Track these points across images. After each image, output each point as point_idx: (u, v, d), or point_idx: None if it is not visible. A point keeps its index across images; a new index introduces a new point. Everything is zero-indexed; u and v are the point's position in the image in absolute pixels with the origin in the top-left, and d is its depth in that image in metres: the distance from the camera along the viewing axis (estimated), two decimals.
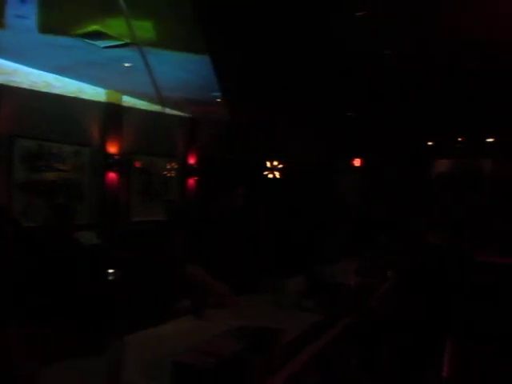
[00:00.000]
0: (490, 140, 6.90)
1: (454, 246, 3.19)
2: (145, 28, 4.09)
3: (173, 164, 7.92)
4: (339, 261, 3.82)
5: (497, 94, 5.53)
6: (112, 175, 6.71)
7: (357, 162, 7.94)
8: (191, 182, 8.13)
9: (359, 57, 4.64)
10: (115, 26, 4.03)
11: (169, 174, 7.86)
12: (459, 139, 7.20)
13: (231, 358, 1.53)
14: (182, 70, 5.34)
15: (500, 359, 4.16)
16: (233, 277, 2.79)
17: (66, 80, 5.98)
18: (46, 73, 5.72)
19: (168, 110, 7.58)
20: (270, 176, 8.69)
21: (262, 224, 3.54)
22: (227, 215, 3.53)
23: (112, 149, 6.69)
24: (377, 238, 4.24)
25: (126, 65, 5.18)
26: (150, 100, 7.12)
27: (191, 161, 8.15)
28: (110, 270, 3.66)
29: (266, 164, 8.72)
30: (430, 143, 7.48)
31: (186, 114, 7.98)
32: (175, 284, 2.70)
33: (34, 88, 5.67)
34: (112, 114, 6.69)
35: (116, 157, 6.70)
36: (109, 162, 6.65)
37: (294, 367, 1.89)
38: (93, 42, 4.39)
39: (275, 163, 8.66)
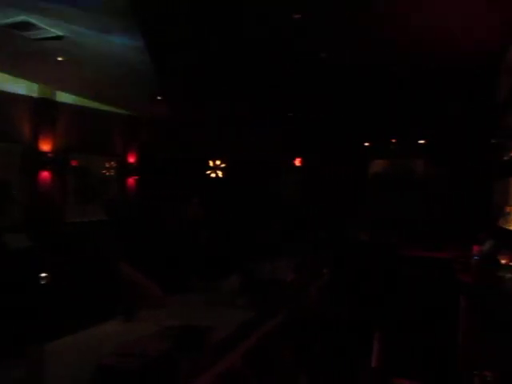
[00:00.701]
0: (422, 141, 7.28)
1: (382, 243, 3.34)
2: (79, 19, 3.94)
3: (112, 163, 7.68)
4: (276, 258, 3.89)
5: (426, 98, 5.85)
6: (45, 174, 6.39)
7: (297, 162, 8.09)
8: (131, 181, 7.93)
9: (301, 58, 4.74)
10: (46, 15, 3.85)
11: (108, 173, 7.62)
12: (393, 140, 7.55)
13: (157, 359, 1.51)
14: (120, 67, 5.21)
15: (424, 347, 4.44)
16: (168, 277, 2.76)
17: None
18: None
19: (106, 107, 7.34)
20: (213, 175, 8.66)
21: (199, 223, 3.52)
22: (165, 215, 3.49)
23: (45, 146, 6.37)
24: (315, 237, 4.36)
25: (59, 59, 4.97)
26: (87, 96, 6.87)
27: (131, 159, 7.95)
28: (42, 274, 3.49)
29: (208, 163, 8.68)
30: (366, 144, 7.76)
31: (126, 112, 7.77)
32: (108, 285, 2.64)
33: None
34: (44, 109, 6.37)
35: (50, 155, 6.39)
36: (42, 160, 6.33)
37: (225, 365, 1.90)
38: (23, 33, 4.16)
39: (218, 162, 8.65)
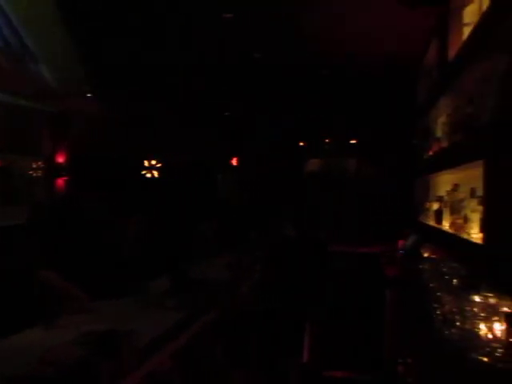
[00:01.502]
0: (353, 141, 7.57)
1: (312, 239, 3.44)
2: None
3: (38, 163, 7.26)
4: (210, 258, 3.88)
5: (356, 100, 6.10)
6: None
7: (234, 162, 8.12)
8: (60, 182, 7.54)
9: (233, 58, 4.76)
10: None
11: (34, 174, 7.20)
12: (327, 140, 7.79)
13: (74, 365, 1.45)
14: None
15: (353, 339, 4.64)
16: (95, 281, 2.66)
17: None
18: None
19: (31, 104, 6.93)
20: (148, 175, 8.46)
21: (129, 225, 3.43)
22: (93, 216, 3.36)
23: None
24: (249, 235, 4.40)
25: None
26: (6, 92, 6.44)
27: (60, 159, 7.56)
28: None
29: (143, 163, 8.46)
30: (301, 144, 7.94)
31: (53, 109, 7.37)
32: (29, 291, 2.50)
33: None
34: None
35: None
36: None
37: (151, 367, 1.86)
38: None
39: (153, 162, 8.46)
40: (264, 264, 3.48)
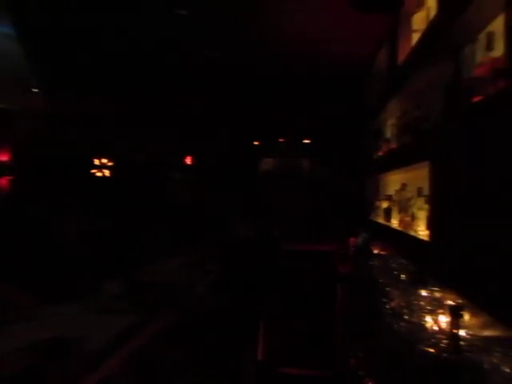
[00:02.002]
0: (307, 141, 7.70)
1: (266, 238, 3.48)
2: None
3: None
4: (164, 260, 3.82)
5: (309, 101, 6.21)
6: None
7: (188, 161, 8.03)
8: (3, 181, 7.16)
9: (190, 56, 4.69)
10: None
11: None
12: (281, 140, 7.87)
13: (21, 375, 1.38)
14: None
15: (307, 335, 4.74)
16: (42, 284, 2.55)
17: None
18: None
19: None
20: (99, 174, 8.20)
21: (74, 224, 3.31)
22: (38, 216, 3.22)
23: None
24: (204, 234, 4.37)
25: None
26: None
27: (3, 158, 7.18)
28: None
29: (93, 161, 8.19)
30: (256, 143, 7.98)
31: None
32: None
33: None
34: None
35: None
36: None
37: (103, 373, 1.81)
38: None
39: (104, 161, 8.20)
40: (219, 264, 3.47)
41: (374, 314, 2.38)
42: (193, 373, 2.80)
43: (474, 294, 1.38)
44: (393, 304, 2.28)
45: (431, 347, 1.74)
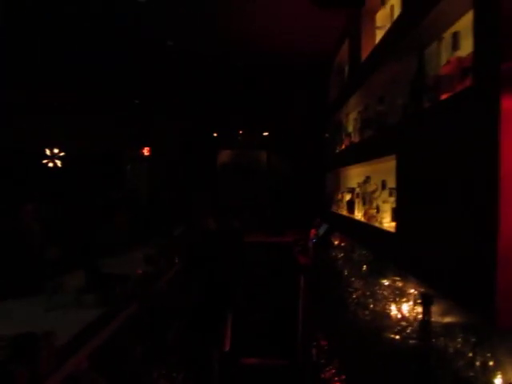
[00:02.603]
0: (266, 134, 7.74)
1: (228, 230, 3.48)
2: None
3: None
4: (125, 251, 3.73)
5: (269, 93, 6.24)
6: None
7: (146, 152, 7.86)
8: None
9: (147, 45, 4.57)
10: None
11: None
12: (240, 131, 7.86)
13: None
14: None
15: (270, 326, 4.81)
16: (4, 282, 2.44)
17: None
18: None
19: None
20: (51, 165, 7.87)
21: (33, 218, 3.16)
22: None
23: None
24: (165, 227, 4.30)
25: None
26: None
27: None
28: None
29: (45, 152, 7.84)
30: (215, 134, 7.93)
31: None
32: None
33: None
34: None
35: None
36: None
37: (69, 369, 1.76)
38: None
39: (56, 151, 7.87)
40: (183, 256, 3.43)
41: (339, 304, 2.45)
42: (159, 364, 2.77)
43: (436, 281, 1.45)
44: (357, 294, 2.35)
45: (396, 334, 1.81)
